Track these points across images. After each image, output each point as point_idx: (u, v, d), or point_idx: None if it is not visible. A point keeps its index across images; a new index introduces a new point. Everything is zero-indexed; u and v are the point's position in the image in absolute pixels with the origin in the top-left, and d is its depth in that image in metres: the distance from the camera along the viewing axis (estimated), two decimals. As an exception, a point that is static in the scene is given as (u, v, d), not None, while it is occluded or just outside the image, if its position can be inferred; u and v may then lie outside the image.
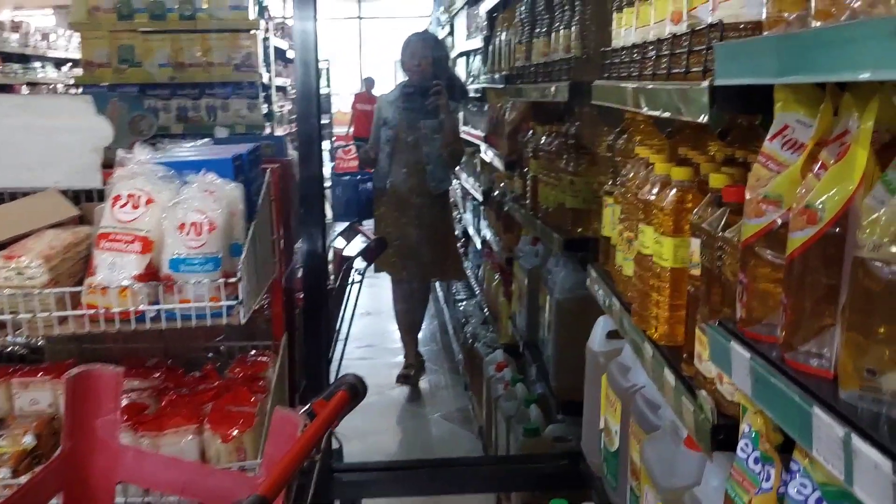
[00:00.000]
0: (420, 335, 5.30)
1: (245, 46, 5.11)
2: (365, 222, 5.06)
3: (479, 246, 5.38)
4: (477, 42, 5.30)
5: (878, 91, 0.88)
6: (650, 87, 1.60)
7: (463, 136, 5.12)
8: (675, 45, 1.51)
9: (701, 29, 1.37)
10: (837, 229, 0.89)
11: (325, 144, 10.96)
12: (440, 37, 7.11)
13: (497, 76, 4.14)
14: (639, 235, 1.66)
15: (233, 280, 1.81)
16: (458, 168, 5.59)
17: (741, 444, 1.11)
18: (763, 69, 1.03)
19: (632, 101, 1.73)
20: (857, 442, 0.75)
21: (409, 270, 4.75)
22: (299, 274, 2.82)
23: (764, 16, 1.11)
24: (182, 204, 1.83)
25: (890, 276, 0.77)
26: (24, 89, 9.05)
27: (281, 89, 7.14)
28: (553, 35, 2.85)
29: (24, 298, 1.76)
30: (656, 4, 1.65)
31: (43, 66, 9.79)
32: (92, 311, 1.78)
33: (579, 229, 2.66)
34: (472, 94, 5.46)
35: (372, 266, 4.07)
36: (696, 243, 1.35)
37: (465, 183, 5.86)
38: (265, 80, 5.65)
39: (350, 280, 3.56)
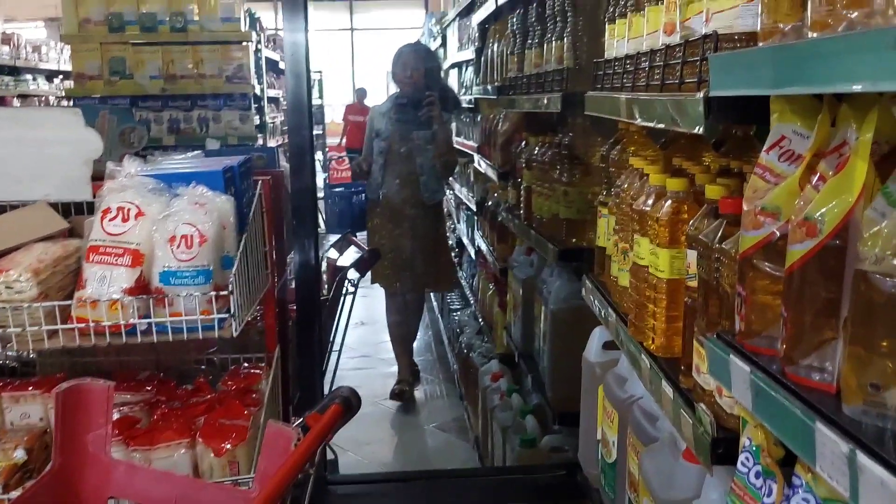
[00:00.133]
0: (415, 345, 5.29)
1: (237, 58, 5.10)
2: (358, 234, 5.05)
3: (473, 256, 5.37)
4: (469, 53, 5.31)
5: (877, 102, 0.87)
6: (644, 97, 1.60)
7: (456, 146, 5.12)
8: (669, 56, 1.50)
9: (695, 40, 1.36)
10: (837, 242, 0.88)
11: (319, 155, 10.96)
12: (432, 48, 7.12)
13: (489, 87, 4.14)
14: (634, 246, 1.65)
15: (224, 293, 1.80)
16: (451, 178, 5.59)
17: (742, 457, 1.10)
18: (759, 80, 1.02)
19: (625, 111, 1.72)
20: (863, 458, 0.74)
21: (402, 282, 4.74)
22: (292, 285, 2.81)
23: (759, 27, 1.11)
24: (172, 217, 1.81)
25: (893, 289, 0.76)
26: (16, 102, 9.03)
27: (273, 101, 7.14)
28: (545, 46, 2.85)
29: (13, 312, 1.74)
30: (649, 16, 1.65)
31: (34, 79, 9.77)
32: (82, 325, 1.77)
33: (573, 239, 2.66)
34: (464, 105, 5.46)
35: (368, 276, 4.06)
36: (692, 255, 1.34)
37: (458, 193, 5.86)
38: (257, 91, 5.64)
39: (343, 291, 3.54)
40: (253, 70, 5.33)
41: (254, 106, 5.42)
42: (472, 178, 5.24)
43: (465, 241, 5.69)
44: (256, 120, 5.60)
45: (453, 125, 5.25)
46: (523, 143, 3.51)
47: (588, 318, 2.24)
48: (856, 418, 0.81)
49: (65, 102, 7.54)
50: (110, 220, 1.82)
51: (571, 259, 2.60)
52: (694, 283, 1.35)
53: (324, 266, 3.68)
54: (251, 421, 1.95)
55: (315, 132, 3.79)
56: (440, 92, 4.68)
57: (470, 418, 4.41)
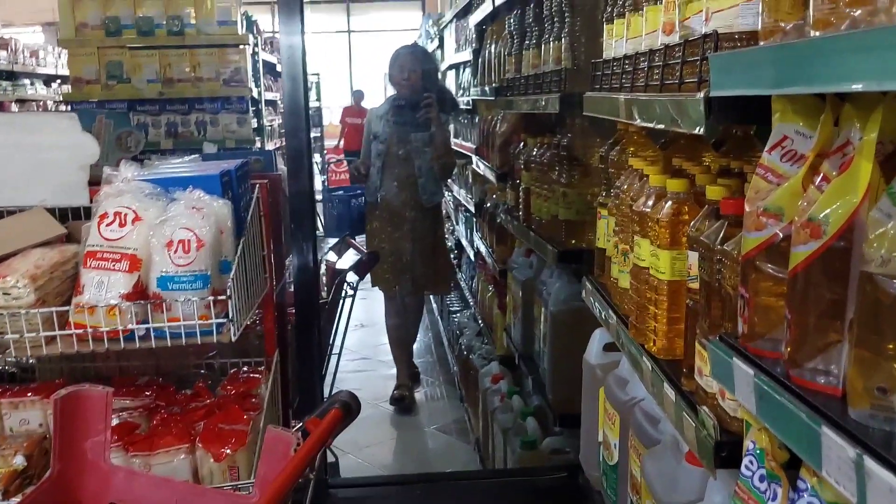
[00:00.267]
0: (415, 347, 5.28)
1: (234, 61, 5.10)
2: (357, 238, 5.05)
3: (472, 257, 5.36)
4: (466, 54, 5.30)
5: (881, 101, 0.86)
6: (643, 98, 1.59)
7: (454, 148, 5.11)
8: (669, 55, 1.49)
9: (694, 39, 1.35)
10: (842, 243, 0.87)
11: (317, 158, 10.95)
12: (429, 50, 7.11)
13: (487, 88, 4.13)
14: (634, 248, 1.64)
15: (222, 297, 1.79)
16: (450, 180, 5.58)
17: (746, 461, 1.09)
18: (760, 80, 1.01)
19: (625, 112, 1.71)
20: (871, 463, 0.73)
21: (401, 285, 4.73)
22: (291, 289, 2.79)
23: (760, 25, 1.10)
24: (169, 221, 1.80)
25: (899, 291, 0.75)
26: (14, 106, 9.03)
27: (271, 104, 7.14)
28: (543, 47, 2.84)
29: (10, 319, 1.73)
30: (648, 15, 1.64)
31: (32, 83, 9.76)
32: (80, 331, 1.76)
33: (573, 241, 2.65)
34: (462, 107, 5.45)
35: (368, 278, 4.05)
36: (693, 256, 1.33)
37: (457, 194, 5.85)
38: (254, 94, 5.64)
39: (343, 294, 3.53)
40: (250, 73, 5.32)
41: (251, 109, 5.41)
42: (470, 180, 5.23)
43: (465, 242, 5.68)
44: (254, 123, 5.59)
45: (451, 127, 5.23)
46: (521, 144, 3.50)
47: (588, 320, 2.23)
48: (862, 422, 0.80)
49: (62, 107, 7.54)
50: (107, 225, 1.80)
51: (571, 260, 2.59)
52: (695, 285, 1.34)
53: (323, 269, 3.67)
54: (251, 426, 1.94)
55: (313, 134, 3.78)
56: (438, 94, 4.67)
57: (470, 420, 4.40)
